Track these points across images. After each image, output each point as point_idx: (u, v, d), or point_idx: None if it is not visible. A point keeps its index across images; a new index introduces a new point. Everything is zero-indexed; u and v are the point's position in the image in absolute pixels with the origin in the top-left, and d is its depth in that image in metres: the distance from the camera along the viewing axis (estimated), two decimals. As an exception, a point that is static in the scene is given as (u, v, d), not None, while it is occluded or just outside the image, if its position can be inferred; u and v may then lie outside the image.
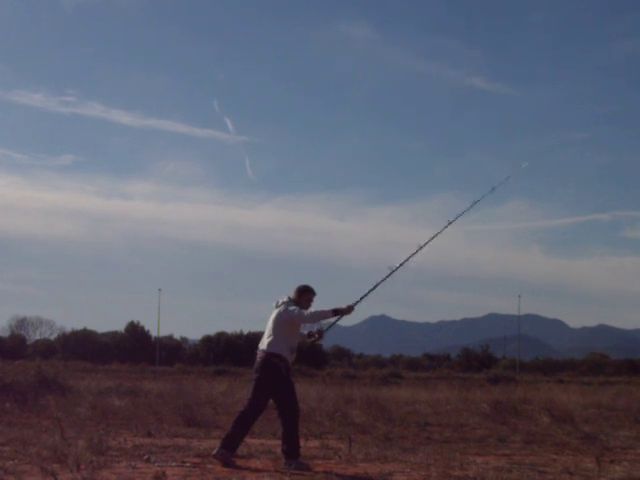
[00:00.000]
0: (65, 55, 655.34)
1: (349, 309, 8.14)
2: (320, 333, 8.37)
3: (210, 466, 7.79)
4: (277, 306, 8.21)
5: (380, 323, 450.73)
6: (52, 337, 75.57)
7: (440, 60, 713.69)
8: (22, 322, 77.39)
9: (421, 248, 8.70)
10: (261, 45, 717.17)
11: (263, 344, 8.12)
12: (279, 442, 8.40)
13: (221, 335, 70.85)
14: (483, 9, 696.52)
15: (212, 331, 75.27)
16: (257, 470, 7.66)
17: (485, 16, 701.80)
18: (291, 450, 7.90)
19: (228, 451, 7.90)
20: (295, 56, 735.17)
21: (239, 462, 7.99)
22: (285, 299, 8.21)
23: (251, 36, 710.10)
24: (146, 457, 8.24)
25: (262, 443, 9.81)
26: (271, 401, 8.13)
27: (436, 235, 8.89)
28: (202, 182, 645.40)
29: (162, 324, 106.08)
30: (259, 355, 8.10)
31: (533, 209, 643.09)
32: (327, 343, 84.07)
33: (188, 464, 7.90)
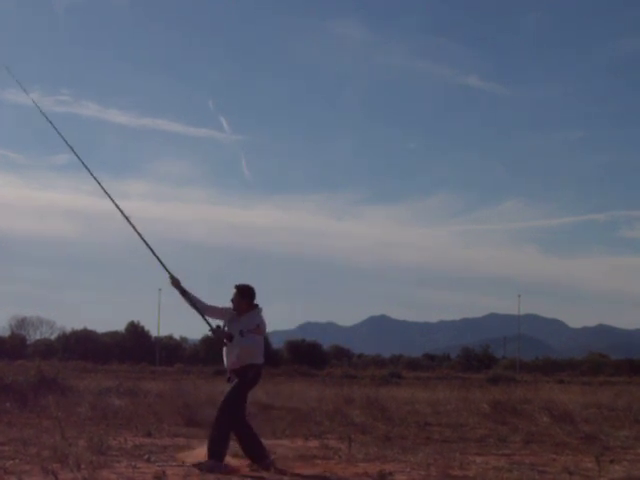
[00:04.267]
0: (60, 54, 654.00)
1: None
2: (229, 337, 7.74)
3: (210, 466, 7.79)
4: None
5: (380, 323, 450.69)
6: (52, 337, 75.49)
7: (435, 59, 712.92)
8: (22, 322, 77.30)
9: None
10: (256, 44, 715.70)
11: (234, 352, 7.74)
12: (279, 442, 8.41)
13: (221, 335, 70.82)
14: (478, 8, 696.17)
15: (212, 331, 75.06)
16: (256, 470, 7.66)
17: (480, 15, 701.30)
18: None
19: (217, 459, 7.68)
20: (290, 55, 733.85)
21: (239, 461, 7.98)
22: None
23: (246, 35, 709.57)
24: (146, 457, 8.27)
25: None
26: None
27: None
28: (198, 182, 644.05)
29: (162, 324, 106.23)
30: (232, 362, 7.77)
31: (530, 209, 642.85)
32: (327, 343, 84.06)
33: (188, 464, 7.92)
